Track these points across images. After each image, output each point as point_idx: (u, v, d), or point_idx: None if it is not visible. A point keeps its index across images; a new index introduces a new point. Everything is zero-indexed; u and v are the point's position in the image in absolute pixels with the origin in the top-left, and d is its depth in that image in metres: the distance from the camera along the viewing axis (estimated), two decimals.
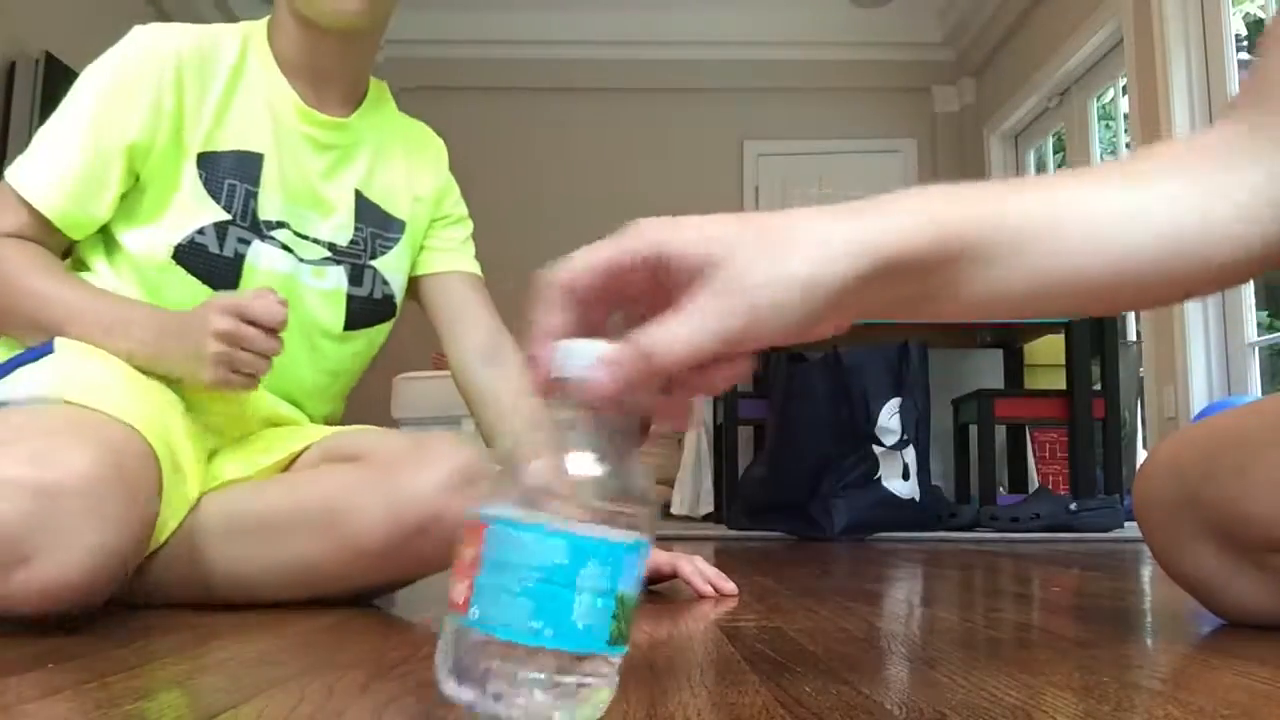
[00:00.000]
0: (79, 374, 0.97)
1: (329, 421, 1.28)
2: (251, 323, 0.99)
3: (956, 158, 6.23)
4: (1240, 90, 0.67)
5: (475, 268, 1.33)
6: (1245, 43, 4.25)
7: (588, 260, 0.53)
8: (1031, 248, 0.57)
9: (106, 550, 0.81)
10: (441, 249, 1.30)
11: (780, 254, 0.51)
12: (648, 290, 0.53)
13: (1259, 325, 3.84)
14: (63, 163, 1.07)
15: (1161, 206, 0.59)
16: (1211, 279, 0.61)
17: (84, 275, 1.12)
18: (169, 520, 0.95)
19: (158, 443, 0.92)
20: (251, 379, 1.03)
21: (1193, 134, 0.65)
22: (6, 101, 4.16)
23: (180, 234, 1.09)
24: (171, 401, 1.04)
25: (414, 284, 1.29)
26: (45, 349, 1.02)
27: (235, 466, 1.09)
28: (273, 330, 1.00)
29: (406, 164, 1.27)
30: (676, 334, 0.50)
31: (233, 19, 1.69)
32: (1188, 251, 0.59)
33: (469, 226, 1.35)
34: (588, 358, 0.50)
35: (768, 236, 0.52)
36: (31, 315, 1.04)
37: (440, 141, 1.35)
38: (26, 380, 0.96)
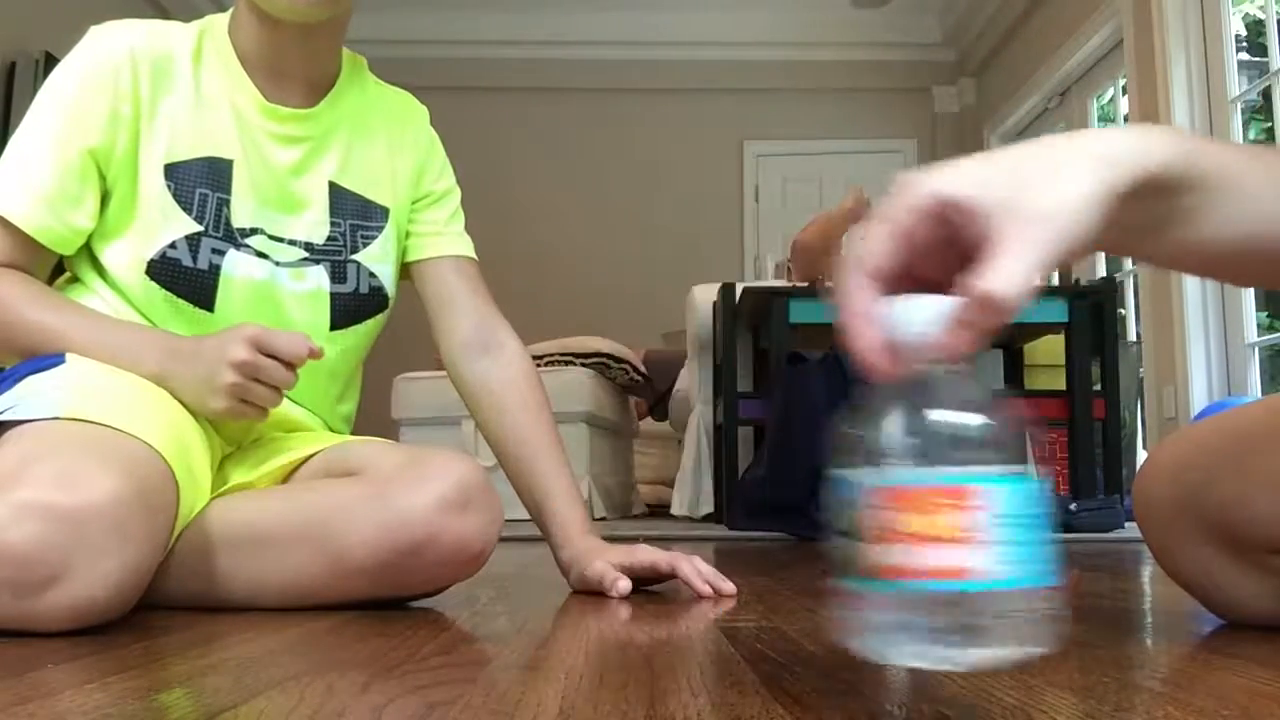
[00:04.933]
0: (95, 391, 0.97)
1: (347, 419, 1.27)
2: (271, 355, 1.00)
3: (957, 158, 6.23)
4: None
5: (462, 247, 1.27)
6: (1245, 43, 4.25)
7: (883, 236, 0.53)
8: (1260, 193, 0.62)
9: (131, 569, 0.83)
10: (425, 234, 1.25)
11: (1066, 175, 0.53)
12: (932, 241, 0.54)
13: (1259, 326, 3.84)
14: (35, 177, 1.05)
15: None
16: None
17: (82, 293, 1.11)
18: (177, 526, 0.96)
19: (175, 460, 0.93)
20: (262, 411, 1.03)
21: None
22: (6, 101, 4.16)
23: (152, 249, 1.07)
24: (186, 413, 1.04)
25: (405, 269, 1.26)
26: (57, 359, 1.01)
27: (241, 470, 1.10)
28: (290, 365, 1.01)
29: (387, 142, 1.23)
30: (1013, 273, 0.50)
31: None
32: None
33: (454, 198, 1.29)
34: (934, 317, 0.50)
35: (1048, 163, 0.54)
36: (31, 349, 1.03)
37: (421, 107, 1.30)
38: (42, 395, 0.95)
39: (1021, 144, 0.56)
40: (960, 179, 0.54)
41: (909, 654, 0.49)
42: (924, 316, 0.51)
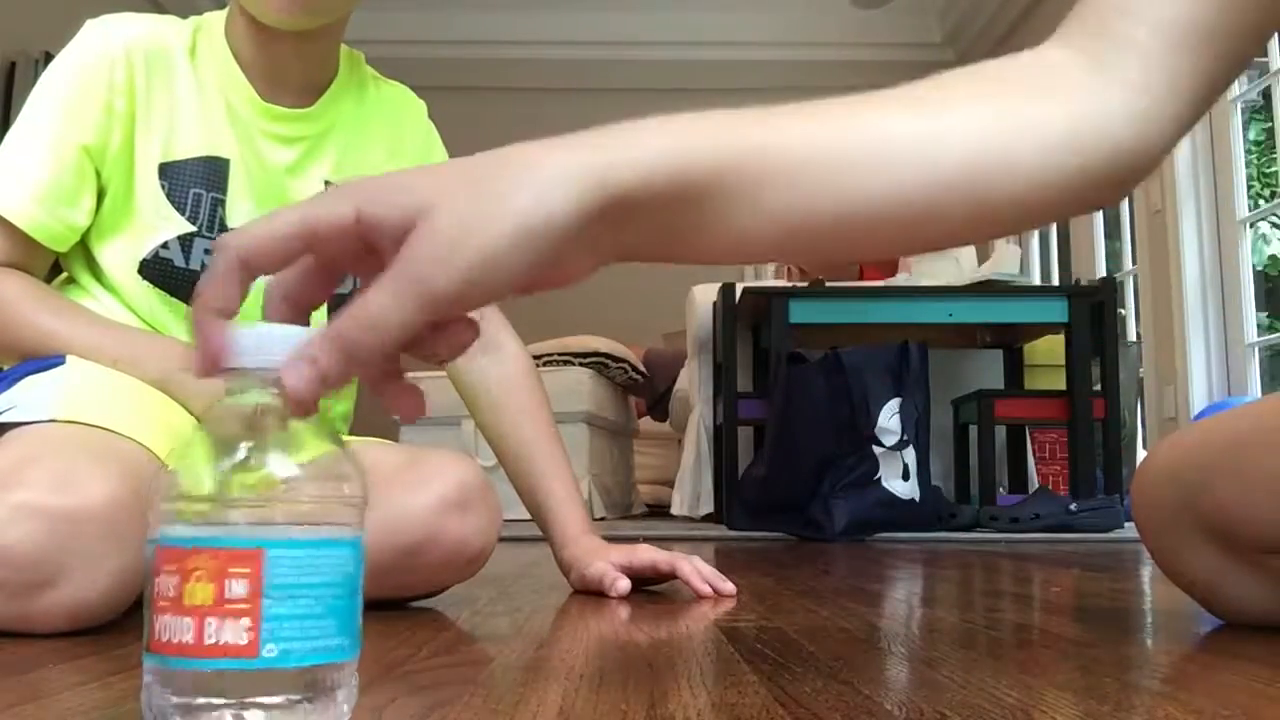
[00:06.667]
0: (93, 393, 0.97)
1: (345, 417, 1.27)
2: None
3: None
4: (1074, 9, 0.59)
5: None
6: None
7: (271, 228, 0.46)
8: (799, 179, 0.51)
9: (126, 572, 0.83)
10: None
11: (492, 198, 0.45)
12: (360, 260, 0.47)
13: (1259, 326, 3.84)
14: (31, 173, 1.04)
15: (956, 139, 0.52)
16: (998, 223, 0.55)
17: (77, 293, 1.10)
18: None
19: None
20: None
21: (1005, 59, 0.57)
22: (6, 101, 4.16)
23: (145, 248, 1.07)
24: (185, 416, 1.03)
25: None
26: (56, 360, 1.01)
27: None
28: None
29: (385, 141, 1.22)
30: (381, 314, 0.44)
31: None
32: (977, 189, 0.52)
33: None
34: (278, 348, 0.45)
35: (478, 178, 0.45)
36: (32, 351, 1.03)
37: (419, 103, 1.28)
38: (40, 397, 0.95)
39: (489, 152, 0.47)
40: (386, 192, 0.46)
41: None
42: (279, 345, 0.44)
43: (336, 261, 0.48)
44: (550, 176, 0.45)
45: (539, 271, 0.46)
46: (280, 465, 0.44)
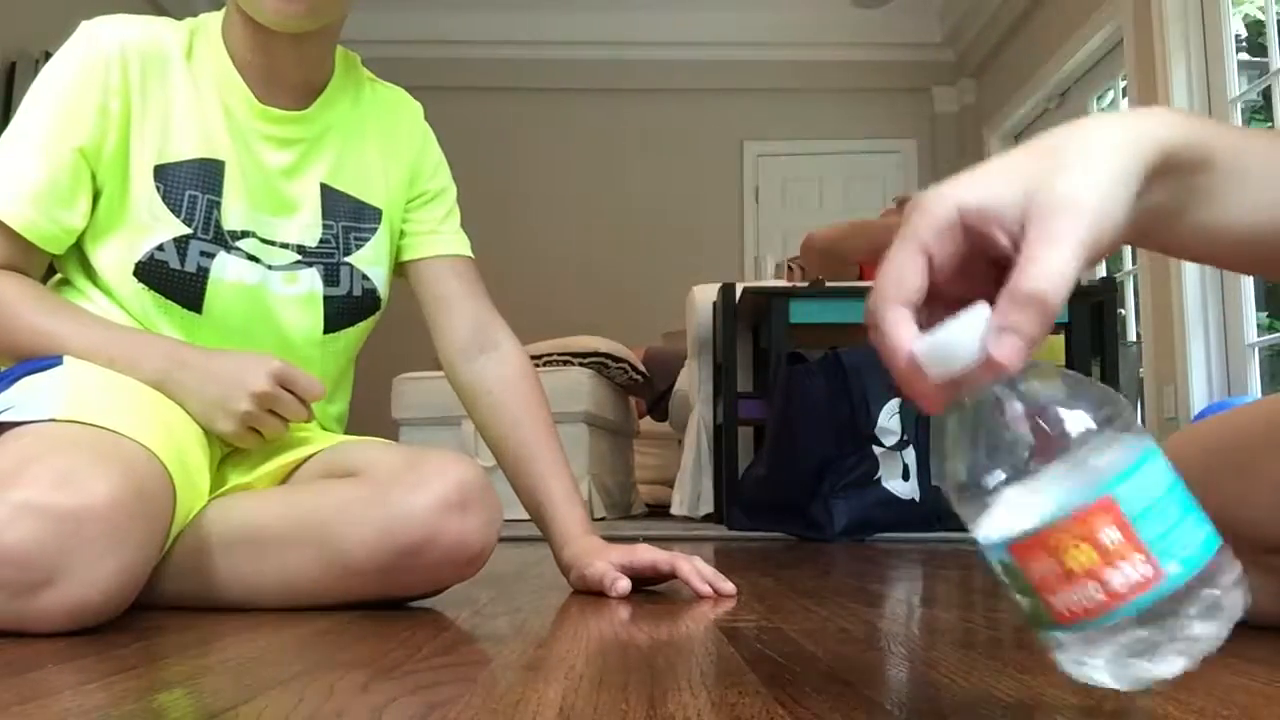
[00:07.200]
0: (92, 393, 0.97)
1: (339, 419, 1.27)
2: (288, 389, 1.04)
3: (956, 158, 6.23)
4: None
5: (458, 245, 1.26)
6: (1245, 43, 4.25)
7: (910, 260, 0.50)
8: (1272, 175, 0.59)
9: (127, 571, 0.84)
10: (420, 233, 1.24)
11: (1090, 159, 0.51)
12: (962, 256, 0.50)
13: (1259, 326, 3.84)
14: (25, 174, 1.04)
15: None
16: None
17: (72, 294, 1.11)
18: (174, 528, 0.96)
19: (172, 463, 0.93)
20: (260, 437, 1.06)
21: None
22: (6, 101, 4.16)
23: (140, 251, 1.07)
24: (183, 415, 1.04)
25: (400, 269, 1.25)
26: (54, 360, 1.01)
27: (239, 471, 1.10)
28: (304, 401, 1.05)
29: (381, 143, 1.22)
30: (1051, 267, 0.47)
31: None
32: None
33: (450, 196, 1.28)
34: (974, 335, 0.46)
35: (1066, 151, 0.51)
36: (29, 352, 1.03)
37: (414, 104, 1.29)
38: (39, 397, 0.95)
39: (1032, 140, 0.53)
40: (977, 184, 0.51)
41: (1139, 680, 0.47)
42: (969, 337, 0.46)
43: (946, 265, 0.51)
44: (1132, 136, 0.52)
45: (1125, 220, 0.51)
46: (1066, 423, 0.46)
